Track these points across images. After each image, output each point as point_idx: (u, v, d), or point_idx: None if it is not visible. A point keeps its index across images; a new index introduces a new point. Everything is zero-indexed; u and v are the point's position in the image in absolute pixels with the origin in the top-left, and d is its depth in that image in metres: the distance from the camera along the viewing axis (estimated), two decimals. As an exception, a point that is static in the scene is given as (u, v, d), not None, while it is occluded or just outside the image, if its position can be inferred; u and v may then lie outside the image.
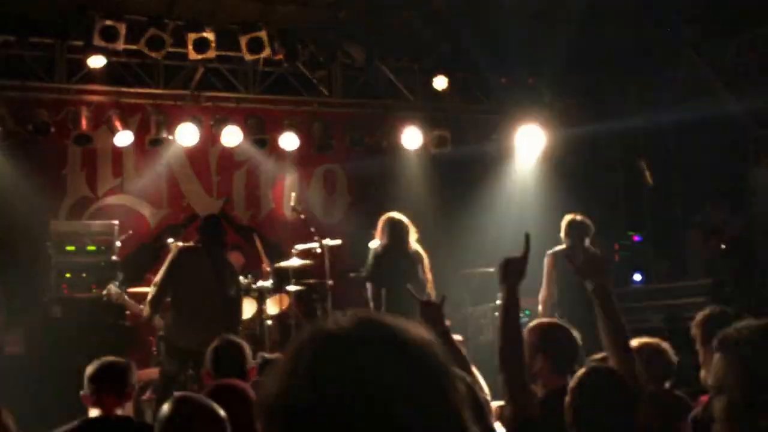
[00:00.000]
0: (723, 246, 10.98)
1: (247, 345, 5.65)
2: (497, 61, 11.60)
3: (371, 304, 9.30)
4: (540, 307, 9.09)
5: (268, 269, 10.65)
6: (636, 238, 12.53)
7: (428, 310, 4.13)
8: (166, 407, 3.47)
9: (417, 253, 9.24)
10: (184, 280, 8.33)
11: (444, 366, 1.39)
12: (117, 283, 9.09)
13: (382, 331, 1.37)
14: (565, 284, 8.83)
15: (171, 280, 8.32)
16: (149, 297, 8.47)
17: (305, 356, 1.36)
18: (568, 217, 9.15)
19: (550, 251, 9.20)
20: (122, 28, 10.16)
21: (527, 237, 3.83)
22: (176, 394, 3.75)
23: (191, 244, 8.85)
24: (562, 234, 9.08)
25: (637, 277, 12.05)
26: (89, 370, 4.92)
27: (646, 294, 11.56)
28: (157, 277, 8.51)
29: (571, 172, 12.50)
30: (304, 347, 1.38)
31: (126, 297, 8.90)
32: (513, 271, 3.74)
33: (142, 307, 8.56)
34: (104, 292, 8.88)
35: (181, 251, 8.54)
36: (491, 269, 11.34)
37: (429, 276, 9.24)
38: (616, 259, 12.27)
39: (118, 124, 10.98)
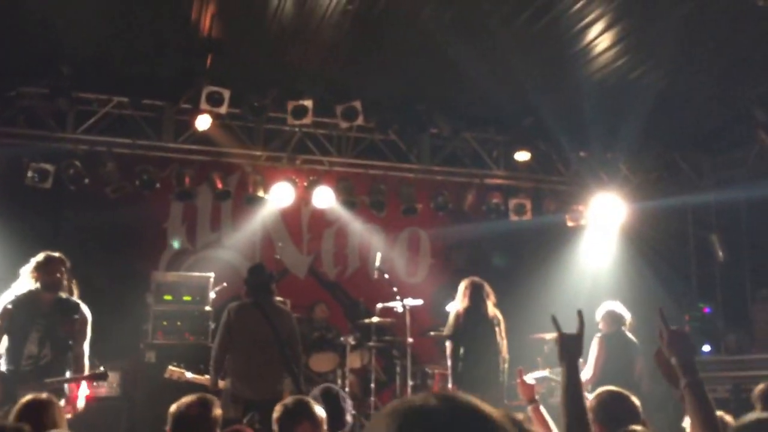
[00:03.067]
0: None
1: (344, 396, 5.79)
2: (576, 135, 11.89)
3: (449, 362, 9.78)
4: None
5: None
6: (706, 310, 12.68)
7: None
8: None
9: (495, 316, 9.75)
10: (240, 337, 8.62)
11: None
12: (175, 363, 9.25)
13: (466, 406, 1.35)
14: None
15: (227, 339, 8.63)
16: (211, 362, 8.78)
17: (391, 427, 1.32)
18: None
19: (599, 334, 9.67)
20: (226, 94, 10.60)
21: (580, 314, 3.78)
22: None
23: (240, 302, 8.97)
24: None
25: (707, 347, 12.24)
26: (172, 409, 4.95)
27: (714, 365, 11.81)
28: (215, 342, 8.87)
29: (645, 244, 12.77)
30: (389, 418, 1.34)
31: (187, 374, 9.06)
32: (570, 348, 3.65)
33: (206, 377, 8.83)
34: (166, 374, 9.04)
35: (230, 311, 8.73)
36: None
37: (504, 339, 9.76)
38: (687, 330, 12.48)
39: (219, 182, 11.63)
